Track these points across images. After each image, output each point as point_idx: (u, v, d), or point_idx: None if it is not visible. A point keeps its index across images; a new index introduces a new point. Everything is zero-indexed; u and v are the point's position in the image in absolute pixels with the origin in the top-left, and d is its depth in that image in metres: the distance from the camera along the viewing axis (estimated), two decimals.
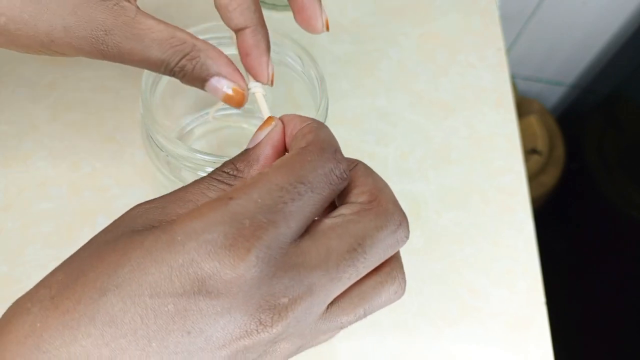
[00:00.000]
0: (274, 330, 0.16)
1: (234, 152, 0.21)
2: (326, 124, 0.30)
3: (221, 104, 0.26)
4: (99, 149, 0.40)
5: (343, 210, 0.19)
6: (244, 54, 0.25)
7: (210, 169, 0.27)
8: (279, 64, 0.33)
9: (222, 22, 0.26)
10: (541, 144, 0.93)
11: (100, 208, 0.37)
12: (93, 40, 0.23)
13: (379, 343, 0.36)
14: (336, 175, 0.18)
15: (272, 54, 0.32)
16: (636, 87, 0.84)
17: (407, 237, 0.20)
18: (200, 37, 0.30)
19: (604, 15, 0.85)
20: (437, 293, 0.38)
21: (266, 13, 0.48)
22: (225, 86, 0.24)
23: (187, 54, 0.23)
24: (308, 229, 0.18)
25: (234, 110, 0.39)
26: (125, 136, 0.40)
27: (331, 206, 0.20)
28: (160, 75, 0.30)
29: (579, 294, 0.91)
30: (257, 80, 0.26)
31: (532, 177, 0.90)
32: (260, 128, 0.21)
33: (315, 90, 0.30)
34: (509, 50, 0.92)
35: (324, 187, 0.18)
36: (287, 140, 0.21)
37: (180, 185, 0.21)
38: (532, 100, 0.99)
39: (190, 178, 0.28)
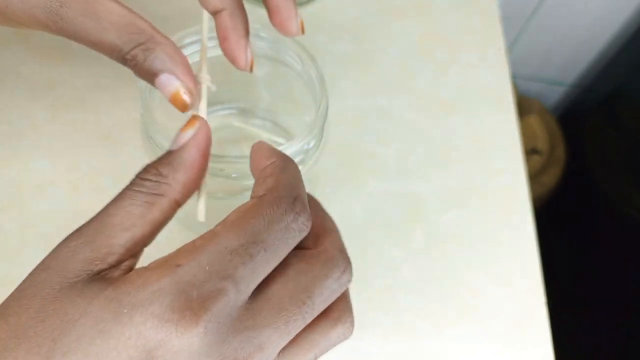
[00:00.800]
0: None
1: (233, 151, 0.21)
2: (326, 124, 0.30)
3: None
4: (98, 148, 0.39)
5: (291, 260, 0.19)
6: (221, 38, 0.25)
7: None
8: (279, 63, 0.33)
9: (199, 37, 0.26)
10: (541, 143, 0.93)
11: (99, 208, 0.37)
12: (47, 10, 0.22)
13: (379, 343, 0.36)
14: (293, 229, 0.18)
15: (271, 53, 0.32)
16: (637, 87, 0.84)
17: (350, 281, 0.20)
18: (198, 37, 0.30)
19: (604, 14, 0.85)
20: (437, 293, 0.38)
21: (266, 13, 0.48)
22: (174, 85, 0.23)
23: (142, 43, 0.22)
24: (259, 286, 0.18)
25: (233, 110, 0.39)
26: (125, 136, 0.40)
27: None
28: None
29: (579, 294, 0.91)
30: (235, 65, 0.25)
31: (533, 177, 0.90)
32: (183, 128, 0.20)
33: (315, 90, 0.30)
34: (510, 49, 0.92)
35: (279, 245, 0.18)
36: (253, 170, 0.21)
37: None
38: (533, 100, 0.99)
39: None
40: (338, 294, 0.19)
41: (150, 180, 0.19)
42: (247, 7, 0.28)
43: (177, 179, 0.19)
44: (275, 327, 0.17)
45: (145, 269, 0.17)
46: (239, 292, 0.17)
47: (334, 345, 0.20)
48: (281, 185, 0.19)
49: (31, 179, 0.38)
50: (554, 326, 0.38)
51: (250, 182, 0.21)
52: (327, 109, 0.29)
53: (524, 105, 0.97)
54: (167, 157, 0.19)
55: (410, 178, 0.42)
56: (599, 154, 0.89)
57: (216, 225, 0.18)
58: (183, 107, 0.23)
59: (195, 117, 0.20)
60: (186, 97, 0.23)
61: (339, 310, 0.20)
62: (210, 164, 0.27)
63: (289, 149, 0.27)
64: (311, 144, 0.29)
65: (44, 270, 0.17)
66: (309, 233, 0.19)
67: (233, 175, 0.27)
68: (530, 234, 0.40)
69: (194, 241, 0.17)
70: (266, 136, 0.39)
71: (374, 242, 0.39)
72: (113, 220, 0.18)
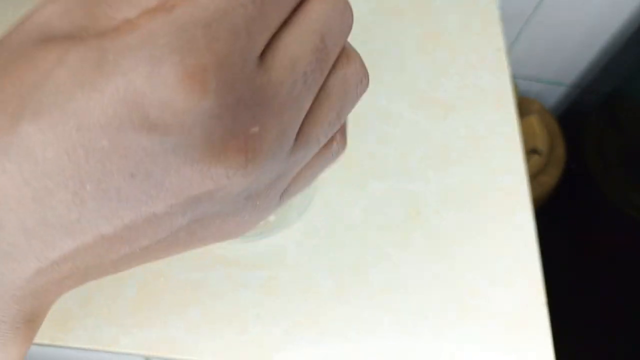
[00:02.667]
0: (250, 172, 0.13)
1: None
2: None
3: None
4: None
5: (297, 16, 0.15)
6: None
7: None
8: None
9: None
10: (541, 144, 0.93)
11: None
12: None
13: (379, 343, 0.36)
14: None
15: None
16: (637, 87, 0.84)
17: (352, 17, 0.16)
18: None
19: (604, 14, 0.85)
20: (437, 293, 0.38)
21: None
22: None
23: None
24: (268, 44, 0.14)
25: None
26: None
27: None
28: None
29: (579, 294, 0.91)
30: None
31: (533, 177, 0.90)
32: None
33: None
34: (509, 50, 0.92)
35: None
36: None
37: None
38: (533, 100, 0.99)
39: None
40: (347, 29, 0.16)
41: None
42: None
43: None
44: (293, 79, 0.14)
45: (133, 19, 0.13)
46: (251, 40, 0.13)
47: (354, 95, 0.17)
48: None
49: None
50: (553, 326, 0.38)
51: None
52: None
53: (524, 106, 0.97)
54: None
55: (410, 178, 0.42)
56: (599, 154, 0.89)
57: None
58: None
59: None
60: None
61: (346, 57, 0.16)
62: None
63: None
64: None
65: (24, 22, 0.14)
66: None
67: None
68: (530, 234, 0.40)
69: None
70: None
71: (374, 242, 0.39)
72: None
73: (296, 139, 0.15)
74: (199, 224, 0.14)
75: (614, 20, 0.86)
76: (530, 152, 0.92)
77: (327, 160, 0.17)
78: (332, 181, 0.41)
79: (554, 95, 1.02)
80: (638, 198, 0.81)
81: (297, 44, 0.14)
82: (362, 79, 0.17)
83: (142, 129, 0.12)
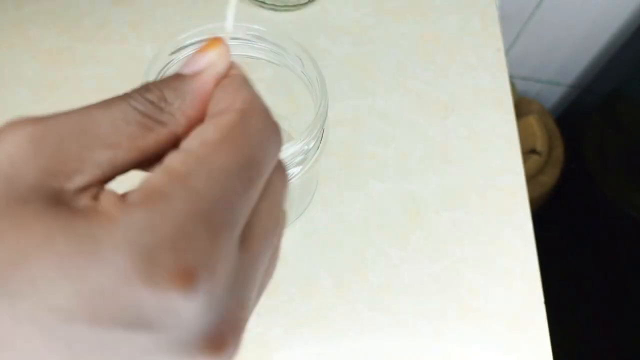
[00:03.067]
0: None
1: None
2: (326, 124, 0.31)
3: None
4: None
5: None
6: None
7: None
8: (279, 64, 0.33)
9: (221, 24, 0.26)
10: (540, 144, 0.93)
11: None
12: None
13: (379, 343, 0.36)
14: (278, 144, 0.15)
15: (271, 54, 0.32)
16: (636, 87, 0.85)
17: (280, 141, 0.16)
18: (199, 38, 0.31)
19: (603, 15, 0.85)
20: (436, 293, 0.38)
21: (266, 14, 0.48)
22: None
23: None
24: None
25: None
26: None
27: None
28: (160, 75, 0.30)
29: (578, 294, 0.91)
30: None
31: (532, 177, 0.90)
32: (202, 49, 0.16)
33: (315, 90, 0.30)
34: (508, 50, 0.92)
35: (267, 168, 0.14)
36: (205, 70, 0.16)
37: None
38: (532, 100, 0.99)
39: None
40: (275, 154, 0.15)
41: (152, 103, 0.14)
42: (248, 7, 0.28)
43: (184, 110, 0.15)
44: (266, 252, 0.14)
45: (124, 202, 0.12)
46: (238, 226, 0.13)
47: (279, 205, 0.16)
48: (259, 101, 0.15)
49: None
50: (552, 326, 0.38)
51: None
52: (327, 109, 0.29)
53: (523, 106, 0.97)
54: (176, 81, 0.15)
55: (409, 178, 0.42)
56: (598, 154, 0.89)
57: (194, 146, 0.13)
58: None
59: (217, 40, 0.16)
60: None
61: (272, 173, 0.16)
62: None
63: (289, 150, 0.27)
64: (311, 144, 0.29)
65: None
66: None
67: None
68: (528, 234, 0.40)
69: (173, 166, 0.13)
70: None
71: (373, 242, 0.39)
72: (96, 128, 0.13)
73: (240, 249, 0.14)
74: None
75: (614, 20, 0.87)
76: (529, 152, 0.92)
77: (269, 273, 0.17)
78: (332, 181, 0.41)
79: (553, 95, 1.02)
80: (638, 198, 0.81)
81: (268, 217, 0.14)
82: (284, 181, 0.16)
83: (127, 327, 0.11)
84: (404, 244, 0.39)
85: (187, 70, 0.16)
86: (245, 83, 0.15)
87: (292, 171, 0.30)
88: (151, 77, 0.30)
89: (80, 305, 0.11)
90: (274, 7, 0.48)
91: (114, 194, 0.13)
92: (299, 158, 0.29)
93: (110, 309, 0.11)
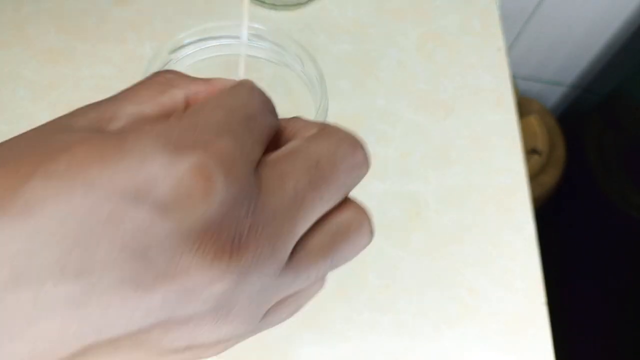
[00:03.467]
0: (232, 272, 0.13)
1: None
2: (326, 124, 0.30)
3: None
4: None
5: (291, 143, 0.16)
6: None
7: None
8: (279, 64, 0.33)
9: (221, 23, 0.26)
10: (541, 144, 0.93)
11: None
12: None
13: (379, 343, 0.36)
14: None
15: (272, 54, 0.32)
16: (636, 87, 0.84)
17: (367, 163, 0.17)
18: (198, 37, 0.31)
19: (604, 15, 0.85)
20: (437, 293, 0.38)
21: (266, 13, 0.48)
22: None
23: None
24: (259, 161, 0.15)
25: None
26: None
27: None
28: None
29: (579, 294, 0.91)
30: None
31: (532, 177, 0.90)
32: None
33: (315, 90, 0.30)
34: (509, 50, 0.92)
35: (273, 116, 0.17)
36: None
37: None
38: (532, 100, 0.99)
39: None
40: (355, 175, 0.17)
41: (167, 75, 0.18)
42: (247, 6, 0.28)
43: (197, 84, 0.18)
44: (284, 198, 0.15)
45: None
46: (253, 147, 0.15)
47: (352, 249, 0.18)
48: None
49: None
50: (554, 326, 0.38)
51: None
52: (327, 109, 0.29)
53: (524, 106, 0.97)
54: (188, 75, 0.18)
55: (410, 178, 0.42)
56: (599, 154, 0.89)
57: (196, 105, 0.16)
58: None
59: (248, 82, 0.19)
60: None
61: (353, 209, 0.18)
62: None
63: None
64: None
65: (51, 122, 0.15)
66: (306, 127, 0.17)
67: None
68: (530, 234, 0.40)
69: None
70: None
71: (373, 242, 0.39)
72: (122, 95, 0.16)
73: (288, 264, 0.15)
74: (171, 325, 0.13)
75: (614, 20, 0.86)
76: (530, 152, 0.92)
77: (307, 297, 0.17)
78: None
79: (554, 95, 1.02)
80: (638, 198, 0.81)
81: (288, 163, 0.15)
82: (364, 236, 0.18)
83: (146, 207, 0.12)
84: (404, 243, 0.39)
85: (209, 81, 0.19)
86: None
87: None
88: None
89: (105, 182, 0.12)
90: (274, 6, 0.48)
91: None
92: None
93: (129, 188, 0.12)
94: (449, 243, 0.40)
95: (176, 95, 0.17)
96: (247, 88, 0.17)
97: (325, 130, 0.17)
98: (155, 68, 0.29)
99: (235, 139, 0.14)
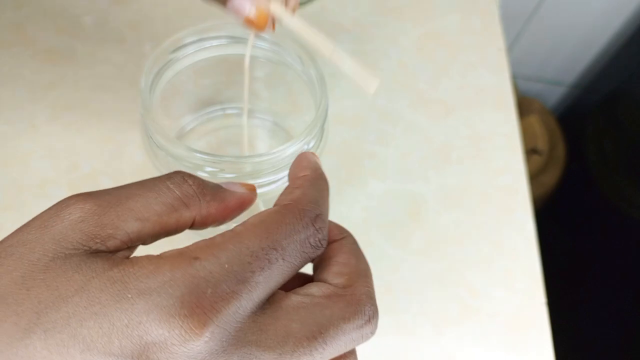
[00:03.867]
0: None
1: (233, 151, 0.21)
2: (326, 123, 0.30)
3: (250, 47, 0.25)
4: (98, 148, 0.39)
5: (313, 289, 0.18)
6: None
7: (210, 169, 0.27)
8: (279, 64, 0.33)
9: (221, 22, 0.26)
10: (541, 143, 0.93)
11: None
12: None
13: (379, 343, 0.36)
14: (310, 244, 0.17)
15: (271, 54, 0.32)
16: (636, 87, 0.84)
17: (373, 334, 0.18)
18: (198, 37, 0.30)
19: (604, 14, 0.85)
20: (437, 293, 0.38)
21: None
22: (248, 5, 0.23)
23: None
24: (270, 300, 0.16)
25: (233, 110, 0.39)
26: (125, 136, 0.40)
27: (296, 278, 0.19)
28: (160, 74, 0.30)
29: (579, 294, 0.91)
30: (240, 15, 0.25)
31: (533, 177, 0.90)
32: (243, 185, 0.20)
33: (315, 90, 0.30)
34: (510, 50, 0.92)
35: (297, 256, 0.17)
36: (289, 179, 0.20)
37: None
38: (533, 99, 0.99)
39: None
40: (356, 345, 0.18)
41: (190, 186, 0.18)
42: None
43: (210, 206, 0.18)
44: (279, 352, 0.15)
45: (157, 256, 0.15)
46: (251, 300, 0.15)
47: None
48: (306, 198, 0.18)
49: (32, 179, 0.38)
50: (554, 326, 0.38)
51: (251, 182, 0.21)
52: (327, 109, 0.29)
53: (524, 105, 0.97)
54: (214, 187, 0.19)
55: (410, 178, 0.42)
56: (599, 153, 0.89)
57: (236, 226, 0.17)
58: (260, 27, 0.23)
59: (252, 186, 0.21)
60: (261, 14, 0.23)
61: None
62: (210, 164, 0.27)
63: (289, 149, 0.27)
64: (311, 144, 0.29)
65: (38, 228, 0.16)
66: (340, 272, 0.19)
67: (232, 176, 0.27)
68: (530, 234, 0.40)
69: (212, 238, 0.16)
70: (266, 135, 0.39)
71: (374, 242, 0.39)
72: (130, 204, 0.16)
73: None
74: None
75: (614, 21, 0.86)
76: (530, 152, 0.92)
77: None
78: (332, 181, 0.41)
79: (554, 95, 1.02)
80: (638, 198, 0.81)
81: (297, 322, 0.16)
82: None
83: (134, 356, 0.14)
84: (405, 244, 0.39)
85: (225, 187, 0.20)
86: (304, 185, 0.19)
87: None
88: (150, 76, 0.30)
89: (99, 338, 0.14)
90: None
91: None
92: None
93: (125, 347, 0.14)
94: (449, 243, 0.40)
95: (184, 218, 0.18)
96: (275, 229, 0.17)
97: (350, 294, 0.18)
98: (155, 68, 0.29)
99: (226, 298, 0.15)
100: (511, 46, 0.92)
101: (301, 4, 0.48)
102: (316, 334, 0.16)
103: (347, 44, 0.47)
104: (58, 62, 0.43)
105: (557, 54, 0.93)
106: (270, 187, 0.30)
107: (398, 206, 0.40)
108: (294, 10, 0.25)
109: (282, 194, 0.19)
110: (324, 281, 0.18)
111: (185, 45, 0.31)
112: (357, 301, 0.18)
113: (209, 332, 0.14)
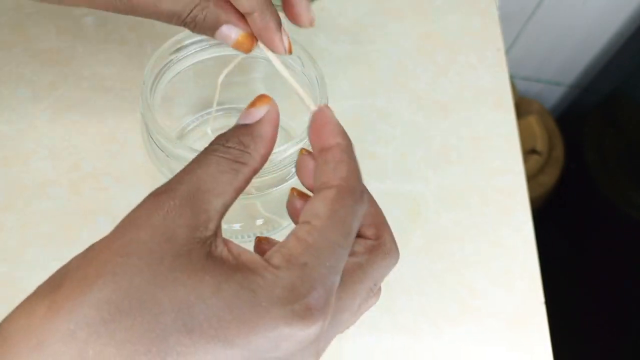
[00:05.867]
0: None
1: None
2: None
3: (231, 67, 0.26)
4: (99, 148, 0.40)
5: (356, 247, 0.20)
6: (257, 35, 0.26)
7: None
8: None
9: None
10: (540, 144, 0.93)
11: (100, 208, 0.37)
12: None
13: (380, 343, 0.36)
14: (360, 219, 0.20)
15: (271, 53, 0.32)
16: (636, 87, 0.85)
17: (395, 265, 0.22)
18: (199, 38, 0.31)
19: (603, 15, 0.85)
20: (437, 293, 0.38)
21: None
22: (234, 33, 0.25)
23: (198, 4, 0.24)
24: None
25: (233, 110, 0.39)
26: (125, 136, 0.40)
27: None
28: (161, 74, 0.30)
29: (578, 294, 0.91)
30: (276, 51, 0.27)
31: (532, 177, 0.90)
32: (254, 104, 0.21)
33: (315, 90, 0.30)
34: (509, 50, 0.92)
35: (357, 231, 0.19)
36: (313, 139, 0.22)
37: None
38: (532, 100, 0.99)
39: None
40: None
41: (234, 148, 0.19)
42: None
43: (258, 150, 0.20)
44: (351, 311, 0.19)
45: (273, 266, 0.17)
46: (337, 283, 0.18)
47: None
48: (354, 175, 0.20)
49: (32, 179, 0.38)
50: (553, 326, 0.38)
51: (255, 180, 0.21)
52: None
53: (523, 106, 0.97)
54: (247, 129, 0.20)
55: (409, 178, 0.42)
56: (598, 154, 0.89)
57: (314, 221, 0.18)
58: (247, 49, 0.26)
59: (265, 96, 0.22)
60: (247, 39, 0.25)
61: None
62: None
63: (288, 150, 0.27)
64: None
65: (142, 228, 0.16)
66: (369, 223, 0.21)
67: None
68: (529, 234, 0.40)
69: (304, 237, 0.18)
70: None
71: None
72: (204, 185, 0.18)
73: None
74: None
75: (614, 21, 0.87)
76: (529, 152, 0.92)
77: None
78: None
79: (553, 95, 1.02)
80: (638, 198, 0.81)
81: (359, 283, 0.20)
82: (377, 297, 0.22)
83: (265, 351, 0.16)
84: (405, 244, 0.39)
85: (248, 121, 0.21)
86: (343, 157, 0.20)
87: (292, 171, 0.30)
88: (151, 77, 0.30)
89: (243, 343, 0.16)
90: (274, 6, 0.48)
91: (249, 251, 0.18)
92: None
93: (263, 347, 0.16)
94: (448, 243, 0.40)
95: (248, 175, 0.19)
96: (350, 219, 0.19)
97: (383, 245, 0.21)
98: (155, 68, 0.29)
99: (331, 290, 0.18)
100: (511, 46, 0.92)
101: None
102: (372, 287, 0.20)
103: (347, 45, 0.47)
104: (59, 62, 0.43)
105: (556, 55, 0.94)
106: (271, 188, 0.30)
107: (398, 206, 0.41)
108: (289, 52, 0.27)
109: (323, 168, 0.20)
110: (361, 235, 0.21)
111: (185, 46, 0.31)
112: (389, 250, 0.21)
113: (321, 321, 0.17)
